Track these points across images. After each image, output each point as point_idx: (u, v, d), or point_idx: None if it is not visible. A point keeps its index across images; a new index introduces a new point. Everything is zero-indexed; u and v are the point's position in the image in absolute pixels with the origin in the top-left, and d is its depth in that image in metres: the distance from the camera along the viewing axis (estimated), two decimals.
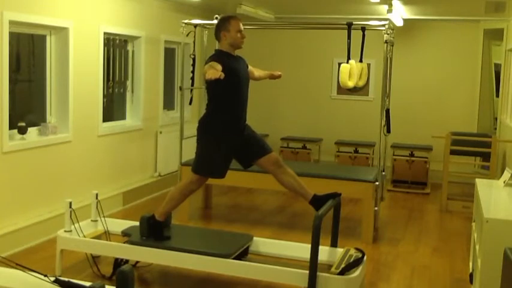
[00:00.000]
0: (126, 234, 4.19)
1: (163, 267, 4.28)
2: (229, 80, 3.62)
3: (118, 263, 4.12)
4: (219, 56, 3.89)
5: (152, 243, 3.98)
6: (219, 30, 3.98)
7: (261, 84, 9.22)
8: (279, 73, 4.41)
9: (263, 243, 4.33)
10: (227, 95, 3.91)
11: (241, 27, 3.96)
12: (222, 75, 3.43)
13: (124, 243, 4.06)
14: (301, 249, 4.09)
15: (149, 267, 4.29)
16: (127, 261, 4.09)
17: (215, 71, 3.46)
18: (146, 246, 3.97)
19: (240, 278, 4.02)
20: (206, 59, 3.99)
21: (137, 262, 4.25)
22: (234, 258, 3.86)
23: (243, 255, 4.09)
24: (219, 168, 4.05)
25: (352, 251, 3.88)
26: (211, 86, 3.83)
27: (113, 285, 2.45)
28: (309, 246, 3.45)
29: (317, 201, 3.88)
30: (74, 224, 4.12)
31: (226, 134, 3.95)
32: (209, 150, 3.97)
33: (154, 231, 4.05)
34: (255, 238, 4.28)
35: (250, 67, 4.20)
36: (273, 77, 4.43)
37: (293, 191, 4.11)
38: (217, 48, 4.09)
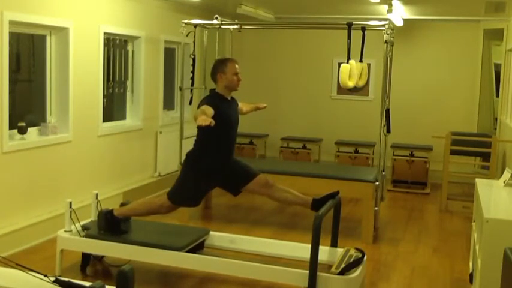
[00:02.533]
0: (85, 228, 4.23)
1: (164, 267, 4.28)
2: (219, 125, 3.68)
3: (86, 256, 4.28)
4: (213, 99, 3.96)
5: (109, 237, 4.08)
6: (215, 72, 4.03)
7: (261, 84, 9.26)
8: (264, 105, 4.58)
9: (264, 243, 4.34)
10: (216, 139, 3.98)
11: (238, 70, 4.03)
12: (213, 123, 3.47)
13: (82, 236, 4.13)
14: (301, 249, 4.10)
15: (149, 267, 4.29)
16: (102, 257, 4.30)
17: (206, 118, 3.50)
18: (101, 239, 4.07)
19: (240, 278, 4.02)
20: (200, 100, 4.07)
21: (102, 256, 4.38)
22: (187, 252, 3.94)
23: (198, 248, 4.18)
24: (195, 201, 4.18)
25: (352, 251, 3.88)
26: (202, 128, 3.87)
27: (113, 284, 2.44)
28: (309, 246, 3.45)
29: (317, 204, 3.89)
30: (74, 224, 4.12)
31: (210, 173, 4.04)
32: (191, 185, 4.06)
33: (111, 225, 4.13)
34: (256, 238, 4.29)
35: (239, 104, 4.27)
36: (258, 109, 4.58)
37: (292, 204, 4.19)
38: (213, 89, 4.13)
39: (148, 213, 4.21)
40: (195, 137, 4.10)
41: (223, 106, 3.95)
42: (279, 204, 4.24)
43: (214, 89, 4.08)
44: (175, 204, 4.12)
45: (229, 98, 4.08)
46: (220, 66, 4.03)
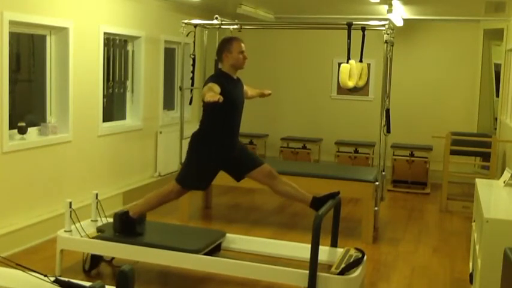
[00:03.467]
0: (100, 230, 4.21)
1: (164, 267, 4.28)
2: (225, 103, 3.66)
3: (96, 258, 4.23)
4: (218, 78, 3.94)
5: (124, 239, 4.03)
6: (221, 51, 4.02)
7: (261, 84, 9.27)
8: (269, 92, 4.55)
9: (264, 243, 4.34)
10: (222, 117, 3.96)
11: (244, 48, 4.01)
12: (221, 99, 3.46)
13: (94, 238, 4.10)
14: (301, 249, 4.10)
15: (149, 267, 4.29)
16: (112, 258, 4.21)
17: (214, 94, 3.50)
18: (117, 242, 4.02)
19: (240, 278, 4.02)
20: (206, 79, 4.05)
21: (113, 258, 4.33)
22: (205, 254, 3.89)
23: (215, 251, 4.14)
24: (204, 183, 4.16)
25: (352, 251, 3.88)
26: (208, 107, 3.86)
27: (113, 284, 2.45)
28: (309, 246, 3.45)
29: (317, 203, 3.88)
30: (74, 224, 4.12)
31: (217, 152, 4.02)
32: (198, 165, 4.04)
33: (126, 227, 4.10)
34: (257, 238, 4.28)
35: (245, 87, 4.25)
36: (263, 95, 4.55)
37: (292, 199, 4.16)
38: (219, 68, 4.11)
39: (160, 202, 4.15)
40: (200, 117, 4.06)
41: (229, 85, 3.92)
42: (279, 197, 4.21)
43: (220, 68, 4.04)
44: (184, 188, 4.07)
45: (235, 78, 4.06)
46: (226, 45, 4.00)
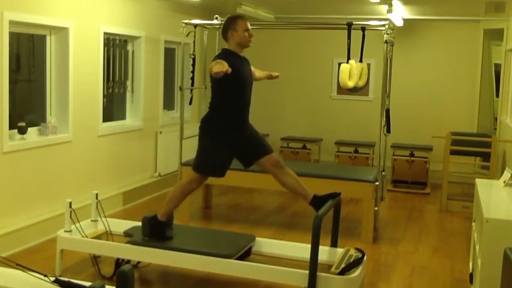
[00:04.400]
0: (128, 234, 4.19)
1: (164, 267, 4.28)
2: (233, 81, 3.64)
3: (119, 263, 4.12)
4: (225, 55, 3.91)
5: (154, 243, 3.98)
6: (226, 30, 3.99)
7: (261, 84, 9.22)
8: (277, 74, 4.50)
9: (264, 243, 4.34)
10: (231, 95, 3.92)
11: (249, 26, 3.99)
12: (229, 70, 3.43)
13: (126, 243, 4.06)
14: (301, 249, 4.09)
15: (149, 267, 4.29)
16: (128, 261, 4.08)
17: (222, 65, 3.48)
18: (147, 246, 3.96)
19: (240, 278, 4.02)
20: (213, 57, 3.98)
21: (138, 262, 4.25)
22: (236, 259, 3.85)
23: (245, 255, 4.09)
24: (220, 167, 4.06)
25: (352, 251, 3.88)
26: (216, 84, 3.83)
27: (113, 285, 2.45)
28: (309, 246, 3.45)
29: (317, 202, 3.88)
30: (74, 224, 4.12)
31: (228, 133, 3.96)
32: (210, 149, 3.98)
33: (156, 231, 4.04)
34: (257, 238, 4.28)
35: (252, 68, 4.21)
36: (271, 77, 4.50)
37: (293, 192, 4.12)
38: (224, 47, 4.08)
39: (184, 195, 4.10)
40: (210, 99, 4.01)
41: (236, 62, 3.88)
42: (282, 188, 4.18)
43: (226, 47, 4.02)
44: (202, 174, 4.02)
45: (241, 56, 4.03)
46: (231, 23, 3.98)
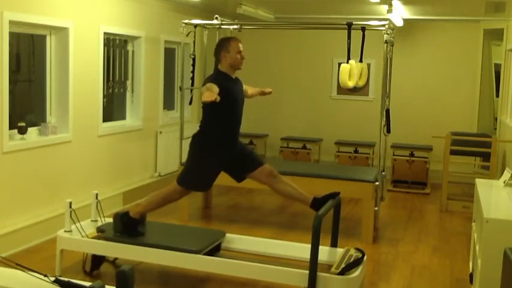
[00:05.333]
0: (100, 230, 4.21)
1: (164, 267, 4.28)
2: (225, 102, 3.69)
3: (97, 259, 4.22)
4: (217, 77, 3.95)
5: (125, 239, 4.03)
6: (219, 51, 4.03)
7: (260, 84, 9.25)
8: (269, 90, 4.57)
9: (263, 243, 4.34)
10: (222, 116, 3.98)
11: (241, 48, 4.03)
12: (218, 99, 3.49)
13: (94, 238, 4.10)
14: (301, 249, 4.09)
15: (149, 267, 4.29)
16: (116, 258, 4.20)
17: (211, 94, 3.52)
18: (119, 242, 4.01)
19: (240, 278, 4.02)
20: (205, 79, 4.06)
21: (116, 258, 4.33)
22: (205, 254, 3.89)
23: (214, 251, 4.13)
24: (205, 184, 4.18)
25: (352, 251, 3.88)
26: (208, 105, 3.88)
27: (113, 284, 2.45)
28: (309, 246, 3.45)
29: (317, 203, 3.88)
30: (74, 224, 4.12)
31: (217, 153, 4.03)
32: (199, 166, 4.05)
33: (127, 227, 4.10)
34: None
35: (244, 86, 4.26)
36: (263, 94, 4.56)
37: (292, 199, 4.17)
38: (217, 68, 4.12)
39: (162, 203, 4.16)
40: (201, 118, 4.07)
41: (228, 84, 3.93)
42: (279, 196, 4.22)
43: (219, 69, 4.06)
44: (185, 189, 4.08)
45: (233, 77, 4.07)
46: (223, 45, 4.02)
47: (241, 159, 4.11)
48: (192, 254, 3.84)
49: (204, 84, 3.87)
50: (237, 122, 4.09)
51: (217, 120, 3.98)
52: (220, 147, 4.02)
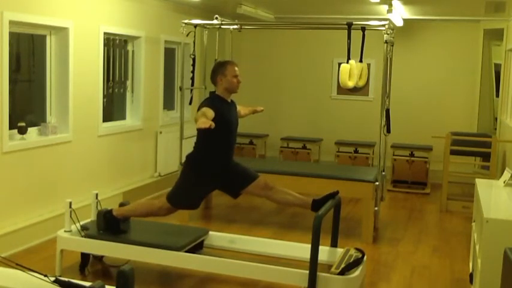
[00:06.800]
0: (84, 228, 4.22)
1: (164, 267, 4.28)
2: (219, 127, 3.73)
3: (85, 256, 4.27)
4: (213, 101, 3.98)
5: (108, 237, 4.07)
6: (215, 75, 4.06)
7: (261, 84, 9.25)
8: (261, 108, 4.63)
9: (263, 243, 4.35)
10: (216, 140, 4.01)
11: (238, 72, 4.06)
12: (212, 125, 3.51)
13: (82, 236, 4.12)
14: (301, 249, 4.10)
15: (149, 267, 4.29)
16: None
17: (206, 121, 3.54)
18: (102, 240, 4.06)
19: (240, 278, 4.02)
20: (200, 103, 4.08)
21: (102, 256, 4.37)
22: (187, 251, 3.94)
23: (197, 248, 4.18)
24: (194, 204, 4.21)
25: (352, 251, 3.88)
26: (201, 131, 3.89)
27: (113, 284, 2.45)
28: (309, 246, 3.45)
29: (317, 205, 3.89)
30: (74, 224, 4.12)
31: (210, 175, 4.06)
32: (190, 187, 4.08)
33: (110, 225, 4.14)
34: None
35: (238, 107, 4.29)
36: (255, 112, 4.61)
37: (291, 205, 4.20)
38: (213, 91, 4.15)
39: (147, 214, 4.24)
40: (195, 139, 4.11)
41: (223, 108, 3.98)
42: (279, 205, 4.25)
43: (214, 92, 4.10)
44: (174, 207, 4.13)
45: (229, 101, 4.11)
46: (220, 68, 4.06)
47: (234, 177, 4.14)
48: (174, 252, 3.88)
49: (199, 108, 3.90)
50: (231, 146, 4.14)
51: (212, 144, 4.02)
52: (214, 170, 4.05)
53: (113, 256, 4.16)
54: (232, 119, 4.10)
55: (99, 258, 4.40)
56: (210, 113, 3.74)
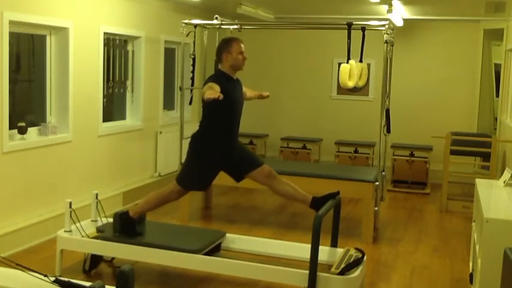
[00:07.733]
0: (100, 230, 4.21)
1: (164, 267, 4.28)
2: (225, 103, 3.69)
3: (96, 258, 4.23)
4: (218, 77, 3.96)
5: (123, 239, 4.03)
6: (220, 52, 4.03)
7: (261, 84, 9.26)
8: (267, 93, 4.55)
9: (263, 243, 4.34)
10: (222, 117, 3.98)
11: (243, 49, 4.03)
12: (221, 96, 3.49)
13: (94, 238, 4.10)
14: (301, 249, 4.10)
15: (149, 267, 4.29)
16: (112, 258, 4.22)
17: (213, 92, 3.52)
18: (117, 242, 4.01)
19: (240, 278, 4.02)
20: (206, 79, 4.06)
21: (113, 258, 4.32)
22: (204, 254, 3.89)
23: (214, 251, 4.14)
24: (204, 184, 4.19)
25: (352, 251, 3.88)
26: (208, 106, 3.88)
27: (113, 284, 2.45)
28: (309, 246, 3.45)
29: (317, 203, 3.88)
30: (74, 224, 4.12)
31: (216, 154, 4.03)
32: (198, 166, 4.05)
33: (126, 227, 4.11)
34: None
35: (244, 88, 4.26)
36: (261, 97, 4.55)
37: (291, 199, 4.17)
38: (218, 68, 4.12)
39: (161, 203, 4.16)
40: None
41: (228, 85, 3.94)
42: (279, 197, 4.22)
43: (220, 69, 4.06)
44: (184, 189, 4.09)
45: (234, 78, 4.07)
46: (225, 45, 4.03)
47: (240, 160, 4.10)
48: (191, 254, 3.84)
49: (205, 84, 3.88)
50: (236, 123, 4.10)
51: (217, 121, 3.98)
52: (219, 148, 4.02)
53: (129, 259, 4.06)
54: (238, 97, 4.06)
55: (110, 260, 4.34)
56: (217, 87, 3.69)
